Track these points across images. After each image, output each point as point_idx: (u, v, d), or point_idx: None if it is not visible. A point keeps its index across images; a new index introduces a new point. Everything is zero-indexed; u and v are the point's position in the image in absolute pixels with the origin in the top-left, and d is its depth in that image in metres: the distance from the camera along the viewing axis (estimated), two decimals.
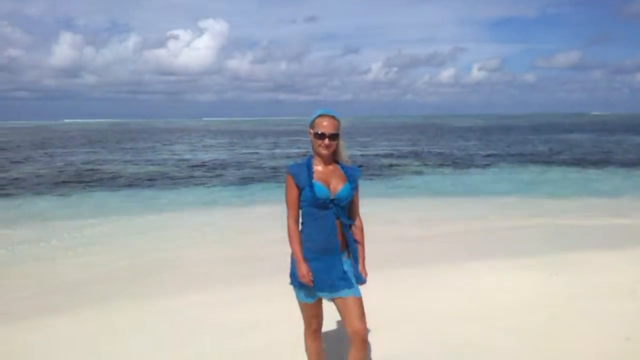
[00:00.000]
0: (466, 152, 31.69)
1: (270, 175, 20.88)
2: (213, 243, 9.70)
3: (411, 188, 17.61)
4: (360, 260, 3.44)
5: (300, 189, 3.31)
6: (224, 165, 25.19)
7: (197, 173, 22.28)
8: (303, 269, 3.28)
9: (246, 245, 9.34)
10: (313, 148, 3.39)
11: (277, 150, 35.69)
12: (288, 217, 3.36)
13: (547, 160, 26.31)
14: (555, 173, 21.01)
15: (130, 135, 66.21)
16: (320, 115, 3.34)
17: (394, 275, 6.70)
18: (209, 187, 18.10)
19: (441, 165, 24.64)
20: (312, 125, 3.36)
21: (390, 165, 24.59)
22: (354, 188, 3.39)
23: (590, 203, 13.59)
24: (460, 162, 25.47)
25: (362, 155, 29.93)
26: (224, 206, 14.31)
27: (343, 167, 3.42)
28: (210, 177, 20.88)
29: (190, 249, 9.18)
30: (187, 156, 31.24)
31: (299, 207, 3.36)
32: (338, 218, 3.33)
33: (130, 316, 5.73)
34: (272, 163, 26.13)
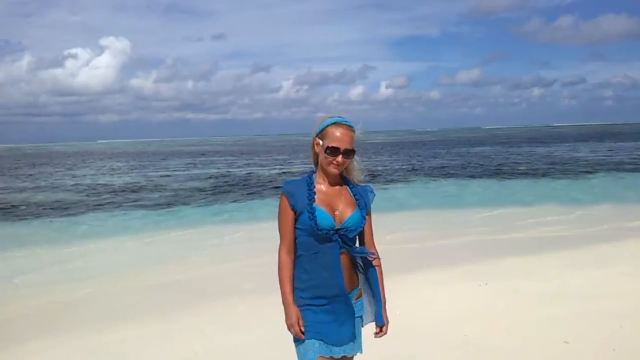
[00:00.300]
0: (385, 167, 32.38)
1: (186, 196, 20.24)
2: (138, 271, 9.16)
3: None
4: (382, 304, 2.79)
5: (296, 213, 2.68)
6: (138, 189, 24.12)
7: (111, 198, 21.17)
8: (292, 315, 2.65)
9: (174, 271, 8.90)
10: (318, 163, 2.77)
11: (194, 171, 34.78)
12: (280, 247, 2.74)
13: (462, 173, 27.38)
14: (474, 185, 21.80)
15: (27, 160, 62.18)
16: (333, 124, 2.69)
17: None
18: (126, 211, 17.23)
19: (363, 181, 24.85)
20: (320, 134, 2.71)
21: None
22: (365, 215, 2.77)
23: (511, 212, 14.17)
24: (380, 177, 25.93)
25: (282, 173, 29.77)
26: (146, 232, 13.61)
27: (352, 188, 2.80)
28: (125, 201, 19.91)
29: (116, 279, 8.60)
30: (99, 180, 29.69)
31: (295, 236, 2.72)
32: (344, 252, 2.70)
33: (49, 357, 5.22)
34: (191, 184, 25.36)
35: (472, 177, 25.17)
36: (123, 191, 23.34)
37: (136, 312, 6.55)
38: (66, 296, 7.63)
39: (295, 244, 2.74)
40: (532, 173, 25.80)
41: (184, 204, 18.60)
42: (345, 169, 2.78)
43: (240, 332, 5.53)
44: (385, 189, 21.38)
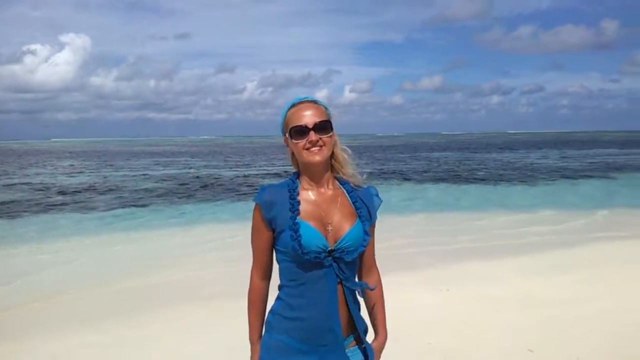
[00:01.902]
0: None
1: (146, 197, 19.77)
2: (94, 276, 8.80)
3: None
4: (376, 353, 2.18)
5: (275, 232, 2.03)
6: (93, 190, 23.43)
7: (65, 198, 20.48)
8: (254, 358, 2.16)
9: (132, 276, 8.60)
10: (297, 162, 2.13)
11: (154, 172, 34.09)
12: (252, 269, 2.16)
13: (421, 177, 27.61)
14: (433, 190, 21.98)
15: None
16: (291, 107, 2.08)
17: None
18: (80, 213, 16.66)
19: None
20: (284, 124, 2.09)
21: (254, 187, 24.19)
22: (369, 230, 2.09)
23: (470, 217, 14.28)
24: None
25: (245, 176, 29.43)
26: (102, 234, 13.13)
27: (351, 193, 2.12)
28: (79, 202, 19.30)
29: (70, 284, 8.25)
30: (51, 180, 28.75)
31: (274, 259, 2.13)
32: (341, 282, 2.02)
33: None
34: (152, 185, 24.80)
35: (432, 181, 25.42)
36: (78, 192, 22.62)
37: (91, 320, 6.27)
38: (14, 301, 7.27)
39: (271, 266, 2.15)
40: (490, 178, 26.23)
41: (144, 205, 18.11)
42: (334, 159, 2.12)
43: (201, 340, 5.35)
44: None
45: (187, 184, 25.32)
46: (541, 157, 43.99)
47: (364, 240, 2.06)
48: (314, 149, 2.02)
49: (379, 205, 2.20)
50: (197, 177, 29.27)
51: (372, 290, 2.18)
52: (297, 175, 2.14)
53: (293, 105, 2.09)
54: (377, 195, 2.22)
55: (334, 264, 2.00)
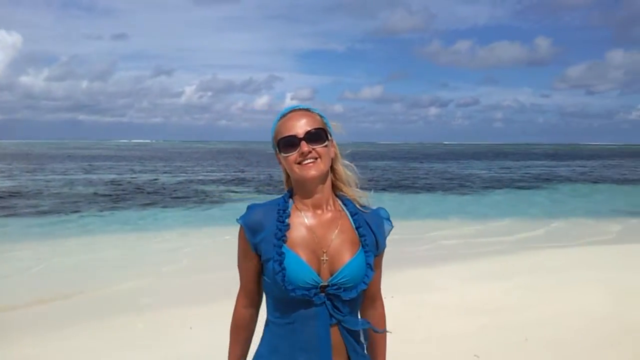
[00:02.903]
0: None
1: (78, 203, 18.89)
2: (26, 285, 8.27)
3: (229, 215, 16.78)
4: None
5: (262, 258, 1.74)
6: (16, 194, 22.14)
7: None
8: None
9: (66, 284, 8.15)
10: (291, 180, 1.82)
11: (87, 176, 32.72)
12: (238, 294, 1.86)
13: (369, 186, 27.72)
14: (372, 199, 22.07)
15: None
16: (282, 116, 1.79)
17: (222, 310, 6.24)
18: (5, 219, 15.70)
19: (266, 191, 24.57)
20: (274, 138, 1.79)
21: (208, 192, 23.85)
22: (373, 262, 1.75)
23: (409, 225, 14.41)
24: (281, 188, 25.63)
25: (189, 181, 28.68)
26: (28, 241, 12.34)
27: (355, 216, 1.79)
28: (7, 208, 18.19)
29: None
30: None
31: (262, 289, 1.82)
32: (337, 323, 1.70)
33: None
34: (84, 190, 23.74)
35: (379, 190, 25.68)
36: (2, 197, 21.35)
37: (21, 333, 5.85)
38: None
39: (260, 294, 1.85)
40: (429, 187, 26.82)
41: (74, 211, 17.30)
42: (334, 175, 1.82)
43: (138, 353, 5.07)
44: None
45: (123, 188, 24.49)
46: (484, 168, 45.42)
47: (366, 276, 1.70)
48: (307, 162, 1.70)
49: (390, 232, 1.85)
50: (135, 181, 28.38)
51: (378, 332, 1.86)
52: (290, 193, 1.82)
53: (283, 116, 1.79)
54: (387, 219, 1.87)
55: (327, 303, 1.67)
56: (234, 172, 37.95)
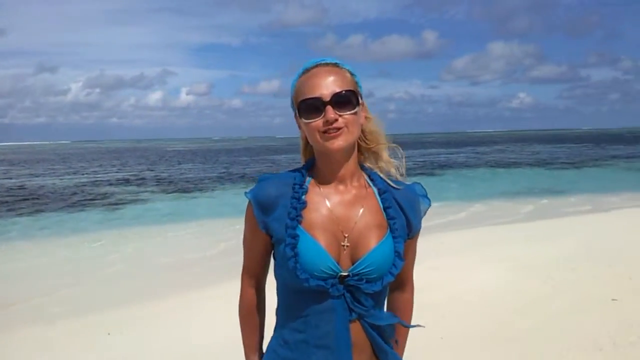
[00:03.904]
0: (190, 176, 31.52)
1: None
2: None
3: (136, 218, 16.13)
4: None
5: (273, 238, 1.51)
6: None
7: None
8: None
9: None
10: (313, 154, 1.57)
11: None
12: (242, 275, 1.65)
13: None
14: None
15: None
16: (305, 71, 1.50)
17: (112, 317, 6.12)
18: None
19: (166, 190, 23.90)
20: (293, 98, 1.52)
21: (108, 194, 22.74)
22: (403, 249, 1.50)
23: None
24: (186, 187, 25.13)
25: (76, 185, 27.15)
26: None
27: (384, 192, 1.54)
28: None
29: None
30: None
31: (275, 274, 1.57)
32: (358, 319, 1.47)
33: None
34: None
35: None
36: None
37: None
38: None
39: (266, 275, 1.66)
40: None
41: None
42: (364, 145, 1.57)
43: None
44: (195, 197, 20.84)
45: (10, 195, 22.78)
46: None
47: (393, 265, 1.46)
48: (333, 131, 1.42)
49: (426, 211, 1.61)
50: (21, 187, 26.47)
51: (406, 327, 1.64)
52: (310, 165, 1.57)
53: (305, 71, 1.50)
54: (425, 196, 1.62)
55: (347, 294, 1.44)
56: (132, 172, 36.40)
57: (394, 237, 1.48)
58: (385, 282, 1.46)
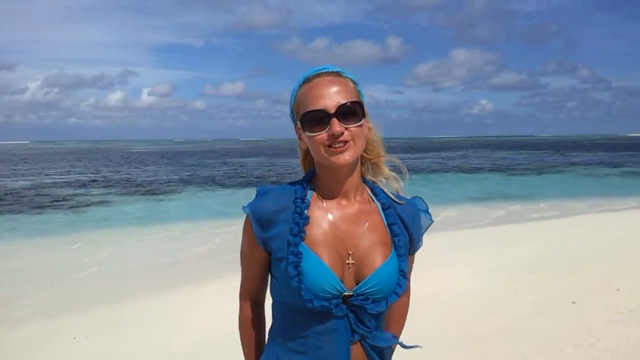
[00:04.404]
0: (154, 178, 31.04)
1: None
2: None
3: (103, 221, 15.78)
4: None
5: (271, 254, 1.45)
6: None
7: None
8: None
9: None
10: (314, 166, 1.51)
11: None
12: (239, 293, 1.60)
13: (233, 183, 27.68)
14: (241, 195, 22.09)
15: None
16: (306, 80, 1.44)
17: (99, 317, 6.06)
18: None
19: (131, 192, 23.51)
20: (294, 108, 1.46)
21: (72, 196, 22.24)
22: (407, 267, 1.47)
23: None
24: (151, 189, 24.77)
25: (32, 187, 26.32)
26: None
27: (387, 207, 1.50)
28: None
29: None
30: None
31: (265, 286, 1.58)
32: (360, 340, 1.43)
33: None
34: None
35: (240, 186, 25.63)
36: None
37: None
38: None
39: (265, 291, 1.59)
40: None
41: None
42: (365, 156, 1.51)
43: None
44: (162, 200, 20.55)
45: None
46: None
47: (398, 285, 1.43)
48: (339, 145, 1.37)
49: (428, 227, 1.58)
50: None
51: (407, 348, 1.57)
52: (310, 177, 1.51)
53: (306, 81, 1.43)
54: (426, 211, 1.59)
55: (350, 315, 1.39)
56: (96, 173, 35.65)
57: (398, 256, 1.45)
58: (389, 302, 1.42)
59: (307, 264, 1.36)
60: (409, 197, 1.58)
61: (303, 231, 1.39)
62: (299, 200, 1.43)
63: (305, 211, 1.42)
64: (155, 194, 22.68)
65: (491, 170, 35.23)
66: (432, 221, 1.58)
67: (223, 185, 26.14)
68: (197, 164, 45.77)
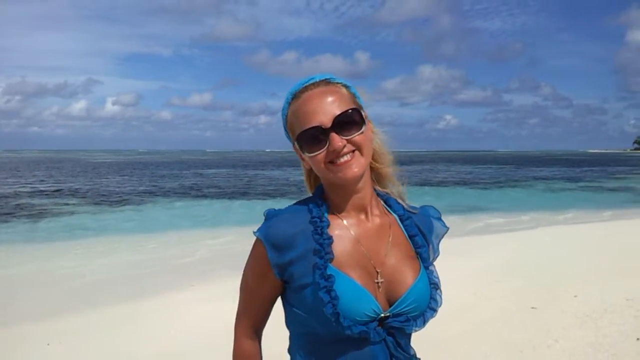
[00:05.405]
0: (116, 189, 30.54)
1: None
2: None
3: (63, 232, 15.32)
4: None
5: (289, 283, 1.32)
6: None
7: None
8: None
9: None
10: (320, 183, 1.40)
11: None
12: (236, 326, 1.43)
13: (198, 193, 27.51)
14: (206, 205, 22.04)
15: None
16: (294, 97, 1.33)
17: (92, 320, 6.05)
18: None
19: (96, 202, 23.10)
20: (288, 128, 1.37)
21: (33, 206, 21.66)
22: (435, 272, 1.41)
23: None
24: (113, 200, 24.37)
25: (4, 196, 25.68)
26: None
27: (406, 219, 1.42)
28: None
29: None
30: None
31: (267, 319, 1.45)
32: None
33: None
34: None
35: (203, 197, 25.50)
36: None
37: None
38: None
39: (266, 321, 1.45)
40: (273, 193, 27.24)
41: None
42: (373, 166, 1.40)
43: None
44: (123, 211, 20.24)
45: None
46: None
47: (432, 299, 1.35)
48: (342, 160, 1.27)
49: (444, 235, 1.50)
50: None
51: None
52: (320, 193, 1.37)
53: (295, 97, 1.32)
54: (440, 218, 1.51)
55: (388, 339, 1.28)
56: (56, 183, 34.84)
57: (426, 268, 1.37)
58: (427, 319, 1.33)
59: (341, 287, 1.23)
60: (419, 207, 1.51)
61: (330, 252, 1.27)
62: (317, 220, 1.30)
63: (327, 230, 1.29)
64: (117, 205, 22.27)
65: (456, 183, 35.82)
66: (448, 228, 1.50)
67: (187, 196, 25.97)
68: (160, 175, 45.12)
